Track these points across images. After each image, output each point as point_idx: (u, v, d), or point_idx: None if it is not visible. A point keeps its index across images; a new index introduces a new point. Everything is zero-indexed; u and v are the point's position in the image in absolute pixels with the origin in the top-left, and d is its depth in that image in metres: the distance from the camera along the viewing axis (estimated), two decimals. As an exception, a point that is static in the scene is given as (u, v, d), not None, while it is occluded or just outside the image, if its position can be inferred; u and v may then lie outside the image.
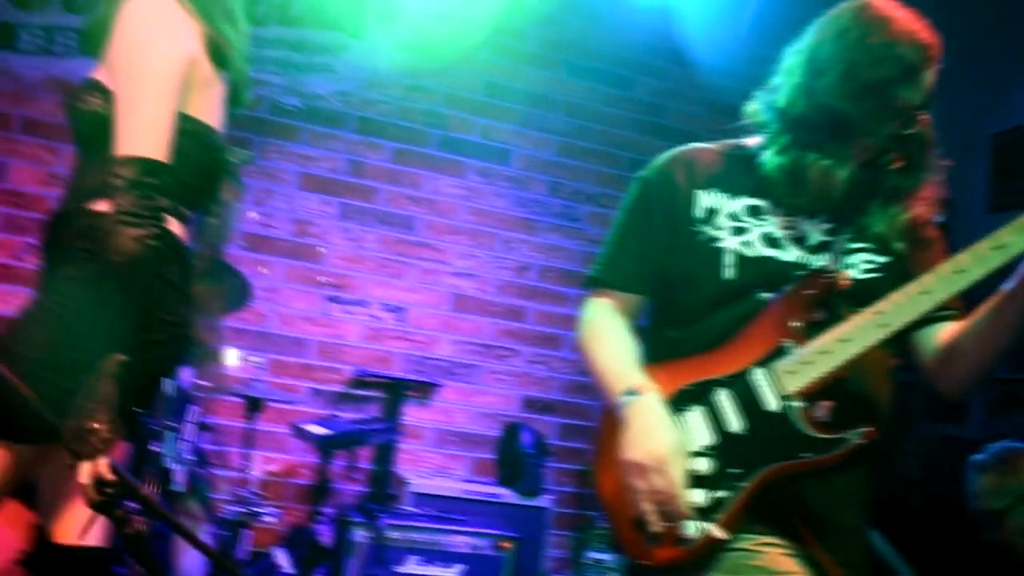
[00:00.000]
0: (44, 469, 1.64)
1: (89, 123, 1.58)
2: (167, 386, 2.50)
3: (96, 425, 1.41)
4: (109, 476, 1.41)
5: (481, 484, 4.11)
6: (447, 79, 4.43)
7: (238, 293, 3.19)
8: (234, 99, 1.76)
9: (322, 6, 4.29)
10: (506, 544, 3.64)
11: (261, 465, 3.92)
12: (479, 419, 4.40)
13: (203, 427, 3.05)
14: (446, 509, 3.81)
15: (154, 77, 1.53)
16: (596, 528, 4.05)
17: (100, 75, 1.60)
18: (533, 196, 4.56)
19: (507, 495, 3.98)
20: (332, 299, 4.22)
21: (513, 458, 4.10)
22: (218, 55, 1.65)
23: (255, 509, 3.19)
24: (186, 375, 2.80)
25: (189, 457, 2.80)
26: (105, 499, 1.38)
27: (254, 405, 3.32)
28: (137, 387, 1.59)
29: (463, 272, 4.41)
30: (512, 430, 4.19)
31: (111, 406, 1.43)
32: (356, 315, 4.25)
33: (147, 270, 1.49)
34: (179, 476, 2.69)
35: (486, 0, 4.33)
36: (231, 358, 3.46)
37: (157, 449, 2.61)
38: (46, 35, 4.01)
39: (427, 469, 4.25)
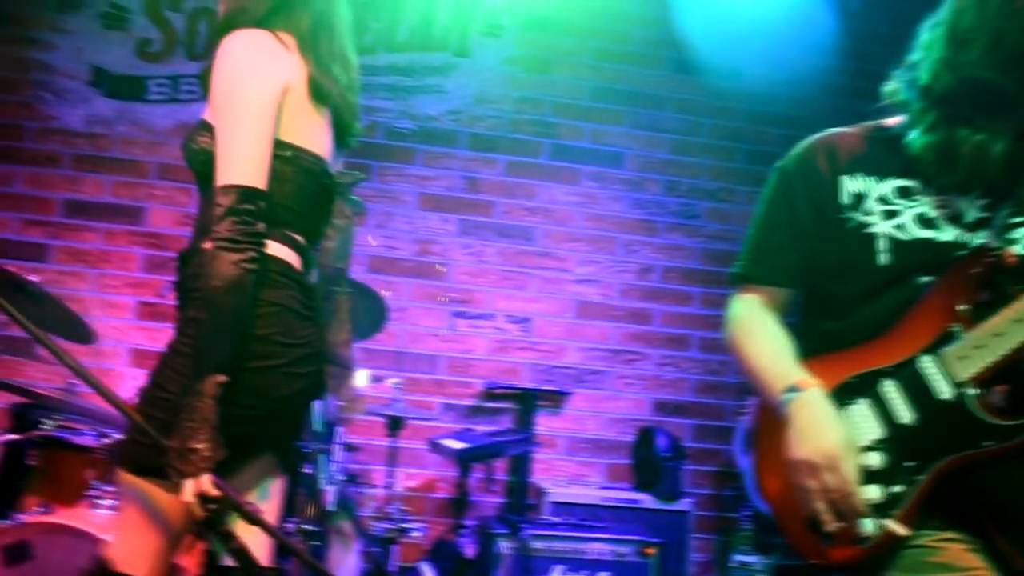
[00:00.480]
0: None
1: (201, 161, 1.65)
2: (315, 408, 2.58)
3: (198, 445, 1.46)
4: (213, 493, 1.46)
5: (619, 490, 4.09)
6: (553, 88, 4.44)
7: (375, 316, 3.26)
8: (344, 130, 1.80)
9: (427, 29, 4.38)
10: (650, 550, 3.60)
11: (402, 481, 4.00)
12: (611, 425, 4.38)
13: (348, 447, 3.13)
14: (586, 517, 3.80)
15: (248, 110, 1.58)
16: (741, 530, 3.97)
17: (208, 115, 1.66)
18: (649, 197, 4.51)
19: (646, 500, 3.94)
20: (458, 315, 4.28)
21: (650, 463, 4.06)
22: (317, 91, 1.68)
23: (402, 525, 3.25)
24: (332, 398, 2.88)
25: (338, 477, 2.88)
26: (210, 516, 1.42)
27: (395, 424, 3.39)
28: (276, 411, 1.65)
29: (585, 279, 4.40)
30: (646, 434, 4.15)
31: (212, 426, 1.48)
32: (483, 329, 4.30)
33: (245, 294, 1.53)
34: (330, 496, 2.76)
35: (584, 6, 4.34)
36: (362, 379, 3.53)
37: (310, 471, 2.70)
38: (172, 84, 4.22)
39: (563, 478, 4.25)
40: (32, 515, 2.70)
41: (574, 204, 4.43)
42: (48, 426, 2.81)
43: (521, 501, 4.01)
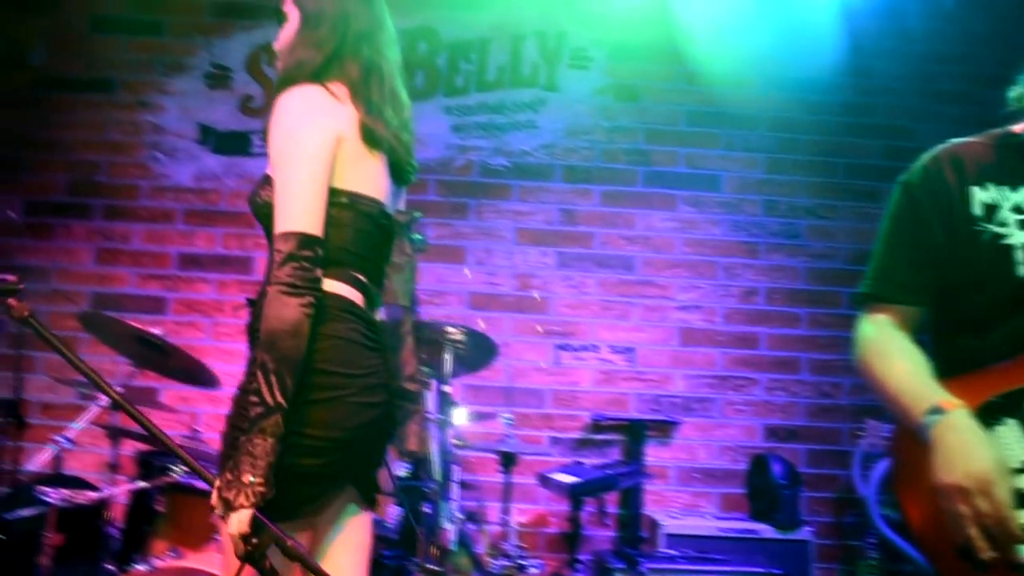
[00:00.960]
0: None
1: (265, 214, 1.72)
2: (434, 446, 2.60)
3: (249, 479, 1.50)
4: (253, 529, 1.46)
5: (734, 520, 3.98)
6: (645, 115, 4.44)
7: (482, 352, 3.28)
8: (401, 168, 1.84)
9: (516, 67, 4.44)
10: (772, 581, 3.50)
11: (515, 517, 3.99)
12: (722, 453, 4.29)
13: (464, 485, 3.14)
14: (703, 549, 3.71)
15: (302, 162, 1.65)
16: (866, 559, 3.82)
17: (269, 169, 1.75)
18: (749, 218, 4.43)
19: (764, 530, 3.83)
20: (562, 347, 4.28)
21: (765, 491, 3.95)
22: (370, 135, 1.74)
23: (519, 561, 3.24)
24: (449, 435, 2.91)
25: (457, 516, 2.89)
26: (253, 550, 1.42)
27: (507, 460, 3.38)
28: (347, 441, 1.67)
29: (688, 305, 4.35)
30: (760, 462, 4.05)
31: (268, 463, 1.51)
32: (587, 360, 4.28)
33: (303, 335, 1.58)
34: (451, 535, 2.78)
35: (670, 31, 4.32)
36: (462, 417, 3.51)
37: (429, 510, 2.72)
38: (274, 136, 4.37)
39: (676, 509, 4.17)
40: (162, 560, 2.80)
41: (672, 230, 4.39)
42: (175, 472, 2.90)
43: (635, 534, 3.95)
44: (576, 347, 4.28)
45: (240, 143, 4.36)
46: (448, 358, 2.94)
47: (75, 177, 4.33)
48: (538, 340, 4.27)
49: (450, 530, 2.77)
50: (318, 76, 1.75)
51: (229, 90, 4.38)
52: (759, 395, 4.33)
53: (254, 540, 1.42)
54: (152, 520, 2.96)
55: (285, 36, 1.84)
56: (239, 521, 1.48)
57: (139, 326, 3.00)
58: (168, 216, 4.29)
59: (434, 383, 2.88)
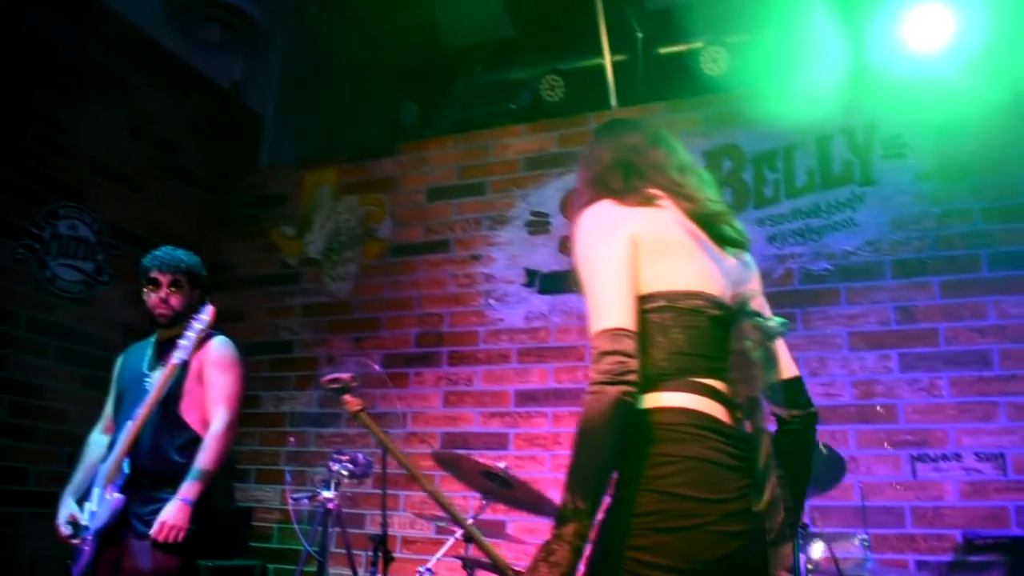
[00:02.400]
0: None
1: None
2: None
3: None
4: None
5: None
6: (979, 193, 4.04)
7: (830, 470, 3.06)
8: (721, 236, 1.77)
9: (826, 168, 4.30)
10: None
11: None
12: None
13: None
14: None
15: (602, 272, 1.64)
16: None
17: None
18: None
19: None
20: (918, 458, 3.88)
21: None
22: (669, 223, 1.72)
23: None
24: (802, 562, 2.73)
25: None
26: None
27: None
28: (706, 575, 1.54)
29: (1067, 399, 3.78)
30: None
31: (563, 572, 1.44)
32: (949, 471, 3.83)
33: (614, 430, 1.51)
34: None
35: (992, 101, 3.97)
36: (817, 551, 3.23)
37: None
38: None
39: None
40: None
41: (1033, 315, 3.89)
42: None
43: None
44: (934, 457, 3.86)
45: (562, 281, 4.60)
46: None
47: (423, 330, 4.82)
48: (890, 452, 3.91)
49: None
50: (603, 195, 1.79)
51: (548, 234, 4.69)
52: None
53: None
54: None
55: (578, 189, 1.95)
56: None
57: (485, 461, 3.20)
58: (504, 356, 4.60)
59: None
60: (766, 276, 4.21)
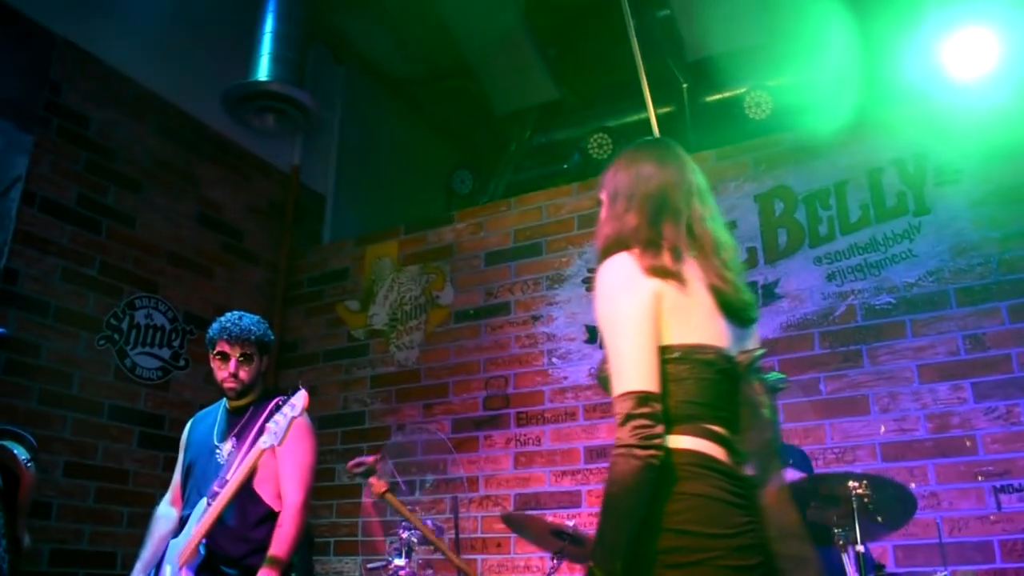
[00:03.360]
0: None
1: (608, 386, 1.73)
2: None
3: None
4: None
5: None
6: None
7: (900, 507, 3.00)
8: (735, 308, 1.81)
9: (879, 201, 4.27)
10: None
11: None
12: None
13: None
14: None
15: (625, 325, 1.67)
16: None
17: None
18: None
19: None
20: (1001, 489, 3.75)
21: None
22: (686, 280, 1.75)
23: None
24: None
25: None
26: None
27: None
28: None
29: None
30: None
31: None
32: (1037, 501, 3.70)
33: (640, 495, 1.55)
34: None
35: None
36: None
37: None
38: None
39: None
40: None
41: (1111, 334, 3.77)
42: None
43: None
44: (1019, 488, 3.73)
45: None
46: (857, 515, 2.73)
47: (489, 392, 4.87)
48: (970, 485, 3.79)
49: None
50: (626, 244, 1.81)
51: (605, 288, 4.72)
52: None
53: None
54: None
55: (600, 221, 1.97)
56: None
57: (554, 520, 3.21)
58: (571, 414, 4.61)
59: (846, 545, 2.68)
60: (827, 315, 4.21)
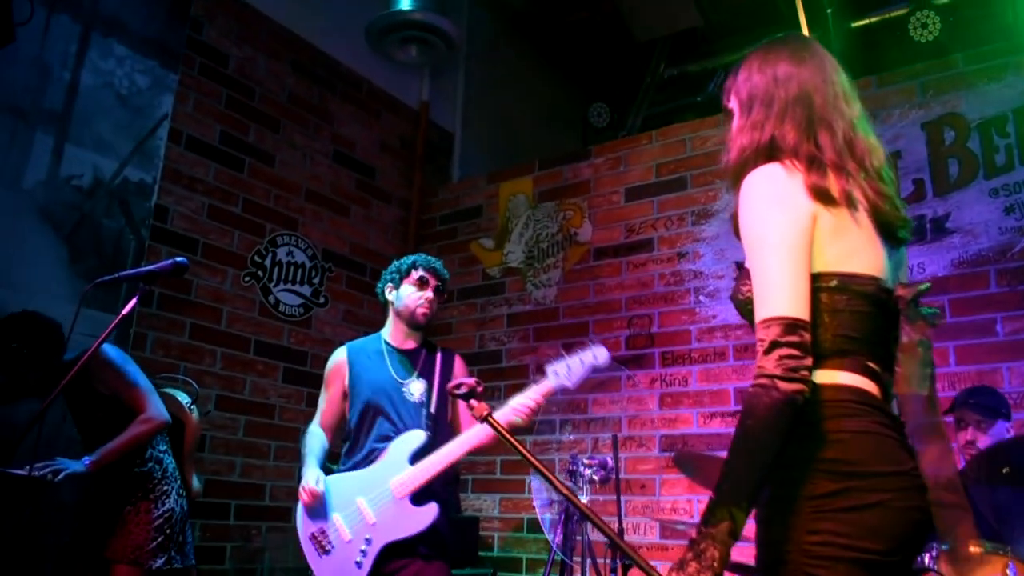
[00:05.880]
0: None
1: (749, 310, 1.56)
2: None
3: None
4: None
5: None
6: None
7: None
8: (890, 226, 1.60)
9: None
10: None
11: None
12: None
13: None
14: None
15: (772, 246, 1.48)
16: None
17: (747, 260, 1.57)
18: None
19: None
20: None
21: None
22: (847, 200, 1.55)
23: None
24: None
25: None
26: None
27: None
28: (895, 552, 1.41)
29: None
30: None
31: (715, 573, 1.35)
32: None
33: (780, 431, 1.38)
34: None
35: None
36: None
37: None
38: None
39: None
40: None
41: None
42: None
43: None
44: None
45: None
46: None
47: (632, 331, 4.75)
48: None
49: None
50: (770, 155, 1.61)
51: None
52: None
53: None
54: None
55: (731, 131, 1.75)
56: None
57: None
58: (720, 354, 4.46)
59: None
60: (1005, 251, 3.92)
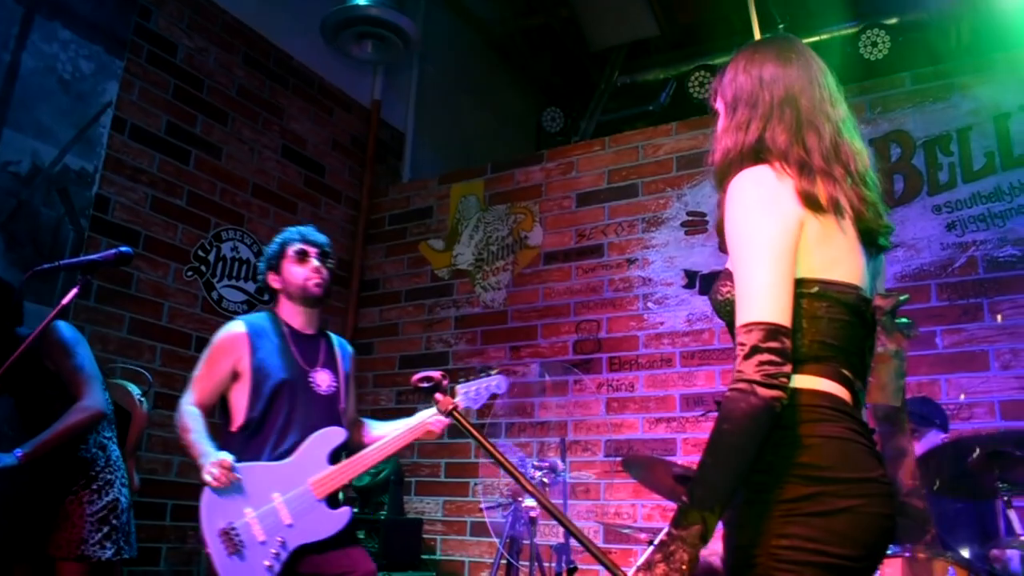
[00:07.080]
0: None
1: (728, 312, 1.56)
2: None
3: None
4: None
5: None
6: None
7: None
8: (870, 232, 1.60)
9: (1006, 149, 4.05)
10: None
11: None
12: None
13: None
14: None
15: (759, 249, 1.47)
16: None
17: (729, 263, 1.57)
18: None
19: None
20: None
21: None
22: (836, 207, 1.54)
23: None
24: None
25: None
26: None
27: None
28: (862, 559, 1.41)
29: None
30: None
31: (681, 572, 1.35)
32: None
33: (756, 437, 1.38)
34: None
35: None
36: None
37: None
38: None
39: None
40: None
41: None
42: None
43: None
44: None
45: (722, 281, 4.46)
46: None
47: (580, 336, 4.75)
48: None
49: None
50: (757, 157, 1.60)
51: (706, 233, 4.56)
52: None
53: None
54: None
55: (716, 132, 1.74)
56: None
57: (683, 464, 3.09)
58: (667, 361, 4.48)
59: (1011, 500, 2.54)
60: (946, 266, 4.02)
